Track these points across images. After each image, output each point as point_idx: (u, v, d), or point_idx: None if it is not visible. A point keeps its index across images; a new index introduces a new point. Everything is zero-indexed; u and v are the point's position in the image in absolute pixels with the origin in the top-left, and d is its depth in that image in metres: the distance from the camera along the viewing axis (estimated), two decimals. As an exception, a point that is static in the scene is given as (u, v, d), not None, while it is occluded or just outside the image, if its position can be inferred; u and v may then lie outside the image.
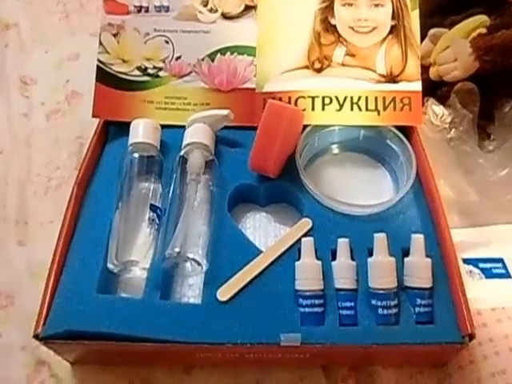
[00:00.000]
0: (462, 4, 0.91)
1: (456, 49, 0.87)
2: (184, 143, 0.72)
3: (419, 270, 0.63)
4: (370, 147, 0.80)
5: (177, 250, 0.62)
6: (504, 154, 0.84)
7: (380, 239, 0.64)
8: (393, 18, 0.79)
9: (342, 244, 0.66)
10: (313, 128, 0.76)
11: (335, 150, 0.82)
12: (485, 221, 0.78)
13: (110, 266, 0.64)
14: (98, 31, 0.81)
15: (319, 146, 0.80)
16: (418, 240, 0.64)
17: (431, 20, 0.90)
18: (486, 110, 0.88)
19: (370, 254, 0.65)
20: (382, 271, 0.63)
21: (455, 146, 0.85)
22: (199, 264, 0.63)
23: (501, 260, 0.72)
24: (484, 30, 0.86)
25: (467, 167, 0.84)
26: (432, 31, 0.91)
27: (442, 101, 0.87)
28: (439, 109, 0.86)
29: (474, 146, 0.85)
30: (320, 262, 0.64)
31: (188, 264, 0.64)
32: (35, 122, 0.97)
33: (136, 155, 0.72)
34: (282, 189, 0.73)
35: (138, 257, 0.66)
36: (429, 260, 0.63)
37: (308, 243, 0.65)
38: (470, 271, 0.71)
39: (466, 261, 0.72)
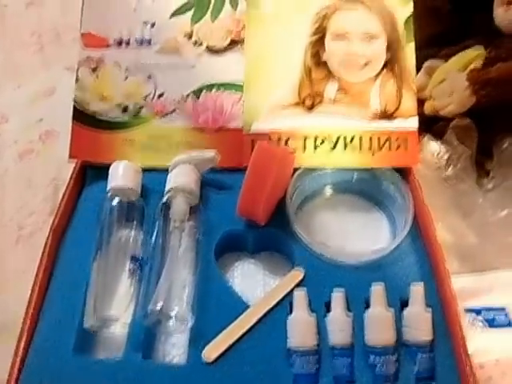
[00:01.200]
0: (458, 35, 0.91)
1: (452, 82, 0.86)
2: (167, 188, 0.70)
3: (419, 322, 0.62)
4: (365, 189, 0.79)
5: (159, 305, 0.60)
6: (503, 193, 0.83)
7: (377, 291, 0.63)
8: (387, 51, 0.78)
9: (337, 296, 0.64)
10: (304, 170, 0.75)
11: (327, 192, 0.81)
12: (486, 265, 0.77)
13: (86, 325, 0.62)
14: (75, 65, 0.79)
15: (310, 188, 0.78)
16: (417, 290, 0.63)
17: (426, 51, 0.89)
18: (485, 146, 0.88)
19: (367, 304, 0.63)
20: (379, 326, 0.62)
21: (453, 184, 0.85)
22: (184, 320, 0.61)
23: (503, 309, 0.72)
24: (480, 63, 0.86)
25: (466, 208, 0.83)
26: (427, 63, 0.91)
27: (438, 137, 0.87)
28: (436, 145, 0.86)
29: (472, 184, 0.85)
30: (314, 317, 0.62)
31: (172, 321, 0.62)
32: (7, 162, 0.95)
33: (115, 201, 0.70)
34: (271, 236, 0.72)
35: (118, 311, 0.64)
36: (429, 311, 0.62)
37: (300, 296, 0.63)
38: (473, 321, 0.70)
39: (468, 310, 0.71)
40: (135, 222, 0.70)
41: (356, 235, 0.75)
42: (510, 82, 0.82)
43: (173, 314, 0.61)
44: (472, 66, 0.86)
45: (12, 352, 0.60)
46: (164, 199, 0.70)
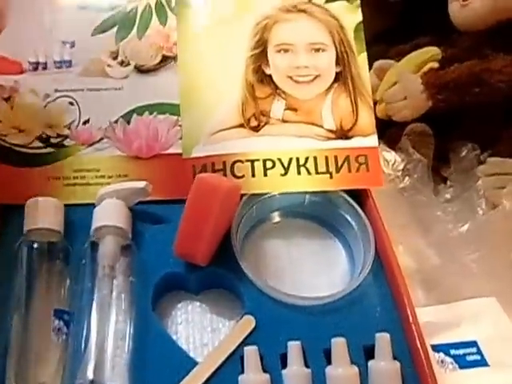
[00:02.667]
0: (408, 31, 0.92)
1: (405, 85, 0.86)
2: (93, 226, 0.66)
3: (387, 378, 0.59)
4: (318, 213, 0.76)
5: (89, 377, 0.55)
6: (463, 204, 0.83)
7: (339, 345, 0.60)
8: (337, 63, 0.76)
9: (293, 348, 0.60)
10: (250, 196, 0.72)
11: (277, 218, 0.78)
12: (451, 291, 0.76)
13: None
14: None
15: (258, 215, 0.75)
16: (383, 341, 0.60)
17: (374, 49, 0.88)
18: (441, 152, 0.88)
19: (327, 358, 0.60)
20: None
21: (409, 196, 0.84)
22: None
23: (474, 343, 0.69)
24: (436, 64, 0.86)
25: (424, 222, 0.83)
26: (377, 64, 0.91)
27: (392, 144, 0.86)
28: (390, 155, 0.85)
29: (429, 195, 0.85)
30: (267, 377, 0.59)
31: None
32: None
33: (34, 245, 0.65)
34: (216, 276, 0.68)
35: (45, 378, 0.59)
36: (397, 366, 0.59)
37: (251, 355, 0.59)
38: (442, 361, 0.67)
39: (436, 347, 0.68)
40: (58, 268, 0.66)
41: (310, 265, 0.73)
42: (468, 85, 0.82)
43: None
44: (427, 68, 0.86)
45: None
46: (90, 240, 0.65)
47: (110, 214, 0.67)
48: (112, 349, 0.59)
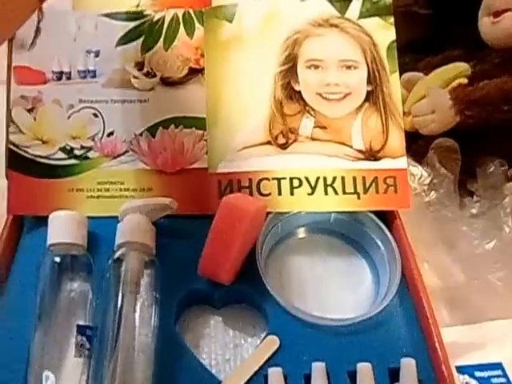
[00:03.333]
0: (438, 44, 0.92)
1: (434, 100, 0.86)
2: (117, 242, 0.67)
3: None
4: (344, 231, 0.77)
5: None
6: (490, 221, 0.83)
7: (364, 370, 0.60)
8: (369, 82, 0.75)
9: (318, 369, 0.61)
10: (276, 214, 0.73)
11: (302, 234, 0.79)
12: (476, 307, 0.77)
13: None
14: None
15: (283, 231, 0.76)
16: (408, 366, 0.61)
17: (402, 59, 0.85)
18: (467, 166, 0.88)
19: (351, 378, 0.61)
20: None
21: (435, 210, 0.85)
22: None
23: (499, 365, 0.71)
24: (465, 80, 0.86)
25: (450, 237, 0.83)
26: (406, 76, 0.90)
27: (418, 157, 0.86)
28: (416, 169, 0.85)
29: (455, 210, 0.85)
30: None
31: None
32: None
33: (57, 258, 0.66)
34: (240, 294, 0.69)
35: None
36: None
37: (276, 375, 0.61)
38: (466, 383, 0.69)
39: (461, 369, 0.69)
40: (81, 282, 0.67)
41: (334, 283, 0.74)
42: (497, 102, 0.82)
43: None
44: (456, 83, 0.86)
45: None
46: (114, 256, 0.66)
47: (133, 230, 0.67)
48: (134, 365, 0.60)
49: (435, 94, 0.87)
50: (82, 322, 0.64)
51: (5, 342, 0.64)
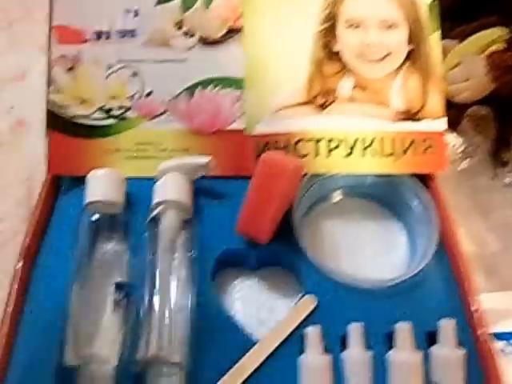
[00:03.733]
0: (474, 10, 0.89)
1: (469, 67, 0.85)
2: (155, 201, 0.67)
3: (450, 365, 0.59)
4: (380, 194, 0.77)
5: (151, 351, 0.56)
6: None
7: (403, 330, 0.60)
8: (409, 42, 0.75)
9: (355, 330, 0.61)
10: (312, 175, 0.72)
11: (337, 197, 0.78)
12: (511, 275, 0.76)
13: (67, 363, 0.59)
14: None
15: (318, 194, 0.76)
16: (447, 327, 0.60)
17: None
18: (502, 135, 0.87)
19: (389, 339, 0.61)
20: (406, 372, 0.59)
21: (468, 179, 0.85)
22: (179, 365, 0.58)
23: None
24: (501, 46, 0.84)
25: (483, 206, 0.84)
26: None
27: (451, 125, 0.83)
28: (451, 137, 0.84)
29: (489, 179, 0.85)
30: (329, 359, 0.59)
31: (165, 366, 0.59)
32: None
33: (95, 216, 0.66)
34: (276, 254, 0.69)
35: (103, 350, 0.60)
36: (461, 353, 0.59)
37: (314, 334, 0.60)
38: (503, 350, 0.69)
39: (498, 336, 0.69)
40: (118, 241, 0.67)
41: (369, 244, 0.74)
42: None
43: (166, 358, 0.57)
44: (492, 49, 0.84)
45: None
46: (152, 214, 0.66)
47: (171, 189, 0.68)
48: (171, 323, 0.60)
49: (470, 61, 0.85)
50: (119, 280, 0.64)
51: (43, 301, 0.65)
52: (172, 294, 0.62)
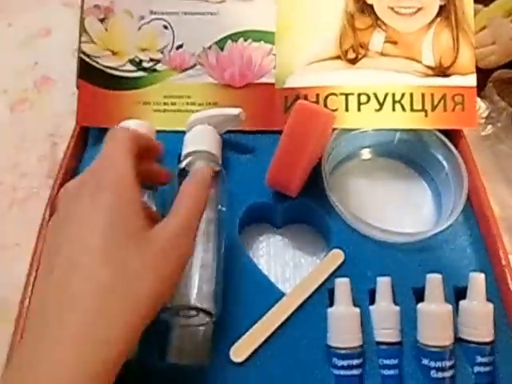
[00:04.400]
0: None
1: (495, 30, 0.84)
2: (184, 152, 0.67)
3: (479, 320, 0.59)
4: (407, 153, 0.77)
5: (179, 299, 0.56)
6: None
7: (434, 282, 0.59)
8: (441, -5, 0.73)
9: (383, 284, 0.61)
10: (341, 131, 0.72)
11: (365, 154, 0.78)
12: None
13: None
14: (74, 1, 0.75)
15: (346, 150, 0.76)
16: (477, 281, 0.60)
17: None
18: None
19: (416, 294, 0.61)
20: (436, 324, 0.58)
21: (492, 145, 0.84)
22: (208, 314, 0.57)
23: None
24: None
25: (507, 172, 0.83)
26: None
27: (476, 90, 0.84)
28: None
29: None
30: (358, 312, 0.59)
31: (193, 315, 0.58)
32: None
33: None
34: (304, 209, 0.70)
35: None
36: (490, 307, 0.59)
37: (343, 287, 0.60)
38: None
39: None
40: (148, 191, 0.66)
41: (395, 203, 0.74)
42: None
43: (197, 305, 0.57)
44: None
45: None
46: (181, 165, 0.66)
47: (201, 139, 0.68)
48: (200, 277, 0.59)
49: (497, 24, 0.85)
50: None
51: None
52: (199, 248, 0.61)
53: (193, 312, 0.57)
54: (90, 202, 0.46)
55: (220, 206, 0.64)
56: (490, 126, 0.85)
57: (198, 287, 0.57)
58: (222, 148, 0.70)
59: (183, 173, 0.65)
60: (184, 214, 0.50)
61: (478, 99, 0.84)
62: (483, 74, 0.85)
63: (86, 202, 0.46)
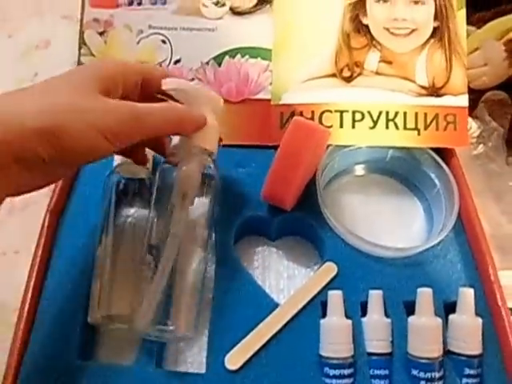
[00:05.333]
0: None
1: (487, 52, 0.85)
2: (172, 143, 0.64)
3: (468, 333, 0.61)
4: (399, 170, 0.78)
5: (170, 327, 0.57)
6: None
7: (425, 295, 0.62)
8: (435, 18, 0.76)
9: (375, 297, 0.63)
10: (335, 147, 0.73)
11: (358, 171, 0.80)
12: None
13: (90, 319, 0.61)
14: (73, 13, 0.76)
15: (340, 166, 0.77)
16: (466, 296, 0.62)
17: None
18: None
19: (407, 307, 0.63)
20: (426, 336, 0.60)
21: (482, 164, 0.86)
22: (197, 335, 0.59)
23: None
24: None
25: (497, 191, 0.84)
26: None
27: (468, 109, 0.85)
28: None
29: (502, 165, 0.85)
30: (349, 324, 0.61)
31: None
32: None
33: (123, 180, 0.67)
34: (298, 223, 0.71)
35: (127, 310, 0.61)
36: (479, 321, 0.61)
37: (336, 299, 0.62)
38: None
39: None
40: (146, 202, 0.66)
41: (387, 220, 0.76)
42: None
43: (186, 335, 0.59)
44: (510, 35, 0.84)
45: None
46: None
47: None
48: (193, 288, 0.60)
49: (489, 46, 0.86)
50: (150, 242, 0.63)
51: (69, 257, 0.67)
52: (195, 259, 0.62)
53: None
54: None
55: (213, 213, 0.64)
56: (481, 146, 0.86)
57: (191, 315, 0.59)
58: (218, 163, 0.67)
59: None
60: (147, 113, 0.53)
61: (470, 119, 0.86)
62: (475, 95, 0.87)
63: None
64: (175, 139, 0.63)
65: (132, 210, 0.66)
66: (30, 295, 0.62)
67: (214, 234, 0.67)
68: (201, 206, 0.63)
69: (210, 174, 0.63)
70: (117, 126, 0.51)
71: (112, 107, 0.51)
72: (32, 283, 0.63)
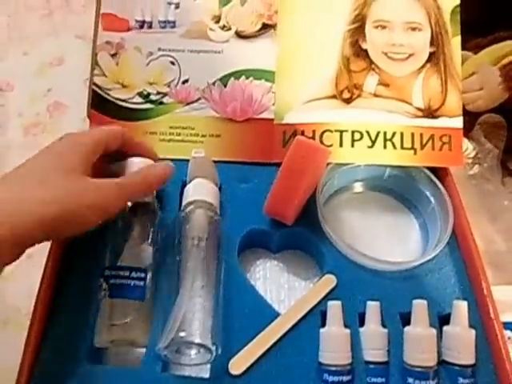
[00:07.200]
0: (489, 25, 0.92)
1: (483, 76, 0.88)
2: (185, 202, 0.69)
3: (462, 344, 0.63)
4: (395, 188, 0.80)
5: (182, 334, 0.58)
6: None
7: (420, 307, 0.63)
8: (431, 44, 0.79)
9: (372, 308, 0.65)
10: (335, 165, 0.76)
11: (357, 188, 0.82)
12: None
13: (97, 344, 0.62)
14: (86, 33, 0.79)
15: (339, 183, 0.80)
16: (460, 308, 0.64)
17: None
18: (511, 145, 0.89)
19: (403, 318, 0.65)
20: (421, 346, 0.62)
21: (478, 184, 0.87)
22: (208, 349, 0.59)
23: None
24: None
25: (492, 210, 0.86)
26: None
27: (464, 132, 0.86)
28: (462, 142, 0.86)
29: (497, 185, 0.87)
30: (348, 332, 0.63)
31: (194, 350, 0.61)
32: (11, 136, 0.95)
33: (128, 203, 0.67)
34: (299, 237, 0.73)
35: (135, 334, 0.62)
36: (472, 333, 0.62)
37: (336, 308, 0.64)
38: (509, 337, 0.73)
39: (505, 325, 0.71)
40: (147, 229, 0.68)
41: (383, 236, 0.78)
42: None
43: (196, 341, 0.59)
44: (506, 61, 0.87)
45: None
46: (182, 214, 0.68)
47: (200, 191, 0.70)
48: (200, 314, 0.61)
49: (485, 71, 0.88)
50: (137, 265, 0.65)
51: (77, 279, 0.68)
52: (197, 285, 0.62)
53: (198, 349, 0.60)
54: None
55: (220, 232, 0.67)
56: (476, 166, 0.88)
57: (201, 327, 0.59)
58: (223, 178, 0.74)
59: (184, 220, 0.67)
60: (128, 185, 0.60)
61: (466, 140, 0.88)
62: (471, 117, 0.89)
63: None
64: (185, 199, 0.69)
65: (136, 233, 0.67)
66: (42, 300, 0.63)
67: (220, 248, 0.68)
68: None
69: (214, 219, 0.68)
70: (105, 203, 0.58)
71: (100, 186, 0.59)
72: (44, 288, 0.64)
